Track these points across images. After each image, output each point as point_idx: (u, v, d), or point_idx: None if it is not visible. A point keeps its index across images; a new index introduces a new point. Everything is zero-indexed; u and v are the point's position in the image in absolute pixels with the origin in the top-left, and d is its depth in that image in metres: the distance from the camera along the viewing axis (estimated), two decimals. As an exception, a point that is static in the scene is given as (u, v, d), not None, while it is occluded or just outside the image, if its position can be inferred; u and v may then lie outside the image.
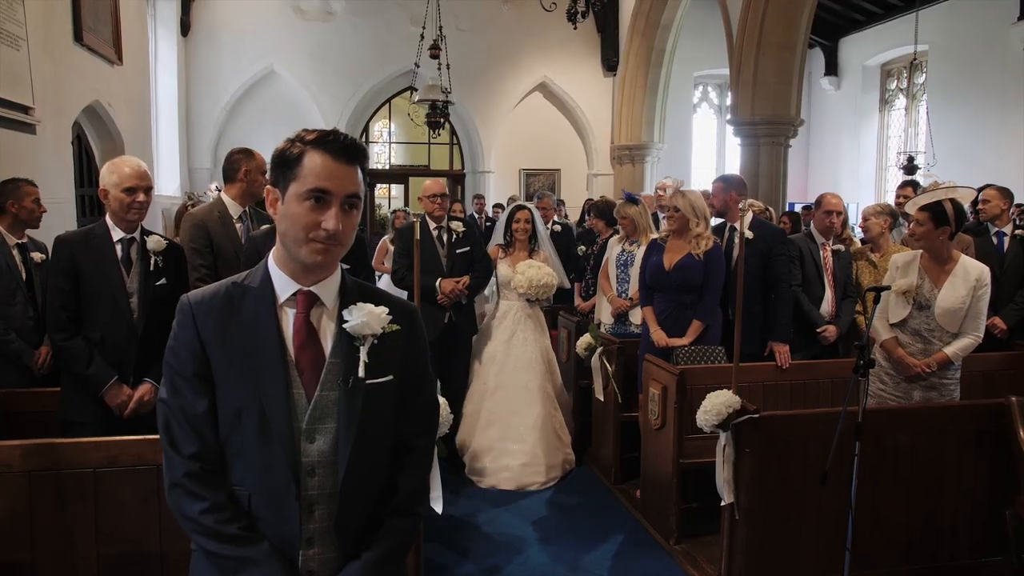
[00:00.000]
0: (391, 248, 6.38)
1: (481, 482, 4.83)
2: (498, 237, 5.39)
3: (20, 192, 3.98)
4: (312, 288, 1.58)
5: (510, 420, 4.91)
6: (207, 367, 1.55)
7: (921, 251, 3.77)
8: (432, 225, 5.00)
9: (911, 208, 3.79)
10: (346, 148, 1.53)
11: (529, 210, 5.28)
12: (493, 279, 5.27)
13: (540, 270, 5.01)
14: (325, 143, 1.53)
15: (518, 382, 4.99)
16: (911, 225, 3.73)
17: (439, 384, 4.49)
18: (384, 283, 6.84)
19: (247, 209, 3.77)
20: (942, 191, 3.76)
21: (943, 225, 3.60)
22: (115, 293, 3.06)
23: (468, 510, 4.47)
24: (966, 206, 3.88)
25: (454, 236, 5.00)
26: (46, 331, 3.90)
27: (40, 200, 4.09)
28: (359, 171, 1.56)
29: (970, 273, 3.64)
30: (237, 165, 3.73)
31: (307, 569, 1.55)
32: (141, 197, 3.06)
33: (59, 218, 5.41)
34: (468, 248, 5.00)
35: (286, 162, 1.54)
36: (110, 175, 3.05)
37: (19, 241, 4.00)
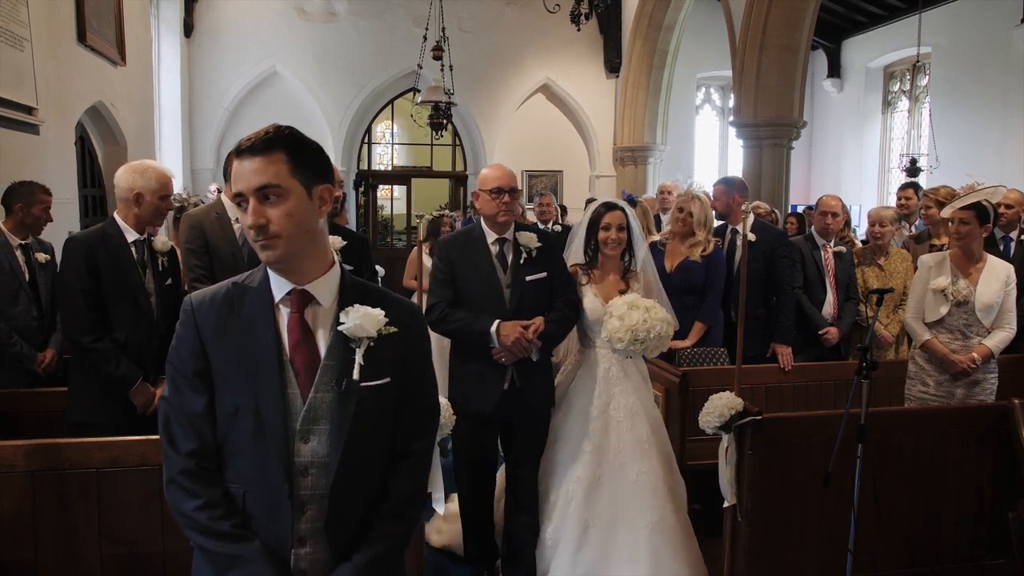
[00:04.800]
0: (426, 262, 4.18)
1: None
2: (576, 253, 3.56)
3: (33, 198, 3.95)
4: (306, 287, 1.58)
5: (616, 533, 3.25)
6: (207, 366, 1.56)
7: (951, 251, 3.90)
8: (491, 237, 3.29)
9: (948, 211, 3.89)
10: (250, 144, 1.51)
11: (622, 210, 3.46)
12: None
13: (650, 312, 3.23)
14: (237, 148, 1.54)
15: (625, 474, 3.30)
16: (953, 225, 3.84)
17: (495, 488, 3.53)
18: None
19: None
20: (988, 191, 3.92)
21: (985, 223, 3.77)
22: (136, 294, 3.11)
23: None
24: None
25: (523, 255, 3.27)
26: (55, 332, 3.92)
27: (49, 209, 4.07)
28: (277, 158, 1.50)
29: (999, 271, 3.81)
30: None
31: (299, 568, 1.55)
32: (171, 203, 3.16)
33: (63, 219, 5.41)
34: (544, 274, 3.27)
35: (227, 177, 1.58)
36: (144, 179, 3.06)
37: (22, 242, 3.99)
